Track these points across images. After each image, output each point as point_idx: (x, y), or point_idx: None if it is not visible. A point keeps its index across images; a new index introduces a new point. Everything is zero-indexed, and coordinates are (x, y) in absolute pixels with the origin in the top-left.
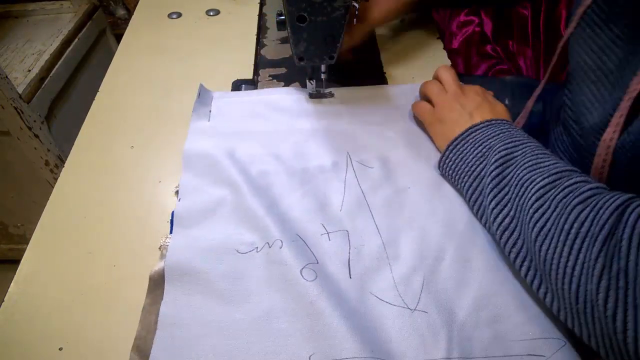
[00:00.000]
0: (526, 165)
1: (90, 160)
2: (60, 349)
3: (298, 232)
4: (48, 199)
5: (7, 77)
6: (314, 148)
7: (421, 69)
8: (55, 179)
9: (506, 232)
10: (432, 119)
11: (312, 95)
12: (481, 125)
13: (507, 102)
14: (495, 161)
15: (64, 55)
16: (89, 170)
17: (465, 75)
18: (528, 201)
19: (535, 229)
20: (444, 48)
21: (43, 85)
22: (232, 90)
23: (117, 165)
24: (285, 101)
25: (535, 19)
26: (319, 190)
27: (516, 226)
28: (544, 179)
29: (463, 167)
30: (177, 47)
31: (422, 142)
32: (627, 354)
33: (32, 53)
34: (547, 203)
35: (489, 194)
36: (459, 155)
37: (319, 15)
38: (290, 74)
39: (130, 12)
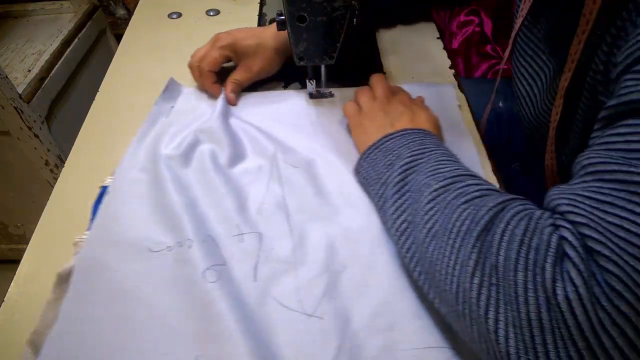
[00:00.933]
0: (426, 171)
1: (90, 160)
2: None
3: (211, 233)
4: (48, 199)
5: (7, 77)
6: (248, 148)
7: (421, 69)
8: (55, 179)
9: (402, 237)
10: (356, 123)
11: (312, 96)
12: (395, 135)
13: (500, 104)
14: (400, 167)
15: (64, 55)
16: (89, 170)
17: (464, 78)
18: (422, 204)
19: (424, 231)
20: (444, 48)
21: (43, 85)
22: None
23: (117, 165)
24: (260, 103)
25: None
26: (242, 190)
27: (411, 231)
28: (439, 182)
29: (372, 174)
30: (177, 47)
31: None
32: (500, 354)
33: (32, 53)
34: (438, 205)
35: (390, 199)
36: (371, 163)
37: (319, 15)
38: (290, 74)
39: (130, 12)
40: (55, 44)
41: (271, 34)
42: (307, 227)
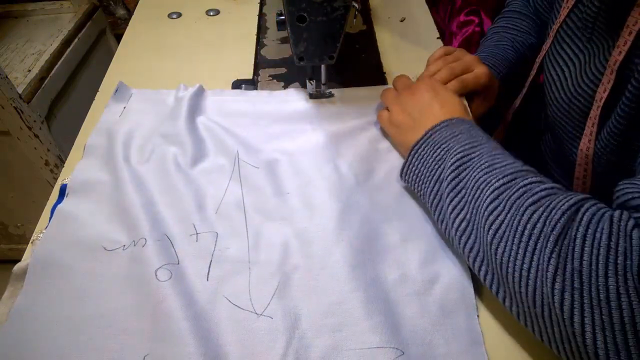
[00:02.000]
0: (482, 166)
1: None
2: None
3: (167, 231)
4: (48, 199)
5: (7, 77)
6: (209, 147)
7: (421, 69)
8: (55, 179)
9: (463, 237)
10: (390, 126)
11: (312, 96)
12: (439, 127)
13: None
14: (452, 164)
15: (64, 55)
16: None
17: None
18: (483, 203)
19: (491, 232)
20: None
21: (43, 85)
22: (232, 89)
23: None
24: (208, 101)
25: None
26: (201, 190)
27: (472, 229)
28: (498, 179)
29: (424, 171)
30: (177, 47)
31: (347, 143)
32: (587, 355)
33: (32, 53)
34: (502, 205)
35: (447, 197)
36: (420, 159)
37: (319, 15)
38: (290, 74)
39: (130, 12)
40: (55, 44)
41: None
42: (264, 228)
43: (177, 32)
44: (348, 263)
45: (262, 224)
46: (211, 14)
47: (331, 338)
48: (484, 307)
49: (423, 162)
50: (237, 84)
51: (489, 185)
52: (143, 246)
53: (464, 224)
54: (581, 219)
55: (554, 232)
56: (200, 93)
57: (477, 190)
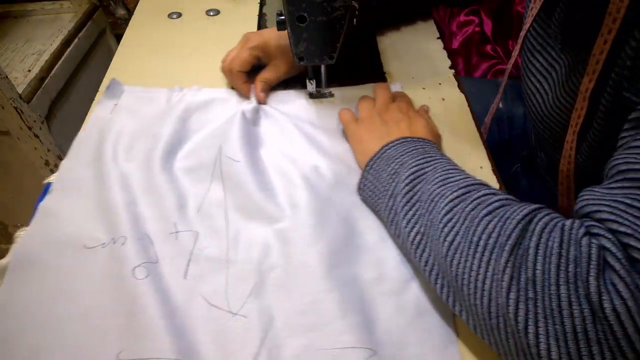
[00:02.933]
0: (436, 180)
1: None
2: None
3: (147, 230)
4: None
5: (7, 77)
6: (195, 145)
7: (421, 69)
8: None
9: (419, 250)
10: (352, 131)
11: (312, 95)
12: (395, 142)
13: (501, 105)
14: (407, 177)
15: (64, 55)
16: None
17: (464, 78)
18: (438, 215)
19: (446, 244)
20: (444, 48)
21: (43, 85)
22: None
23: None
24: (205, 102)
25: None
26: (183, 188)
27: (427, 242)
28: (453, 192)
29: (379, 186)
30: (177, 47)
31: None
32: None
33: (32, 53)
34: (457, 216)
35: (401, 211)
36: (375, 175)
37: (319, 15)
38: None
39: (130, 12)
40: (55, 44)
41: None
42: (244, 226)
43: (177, 32)
44: (325, 262)
45: (243, 222)
46: (211, 14)
47: (305, 338)
48: None
49: (377, 177)
50: None
51: (444, 197)
52: (123, 244)
53: (418, 237)
54: (534, 228)
55: (509, 242)
56: (195, 93)
57: (431, 203)
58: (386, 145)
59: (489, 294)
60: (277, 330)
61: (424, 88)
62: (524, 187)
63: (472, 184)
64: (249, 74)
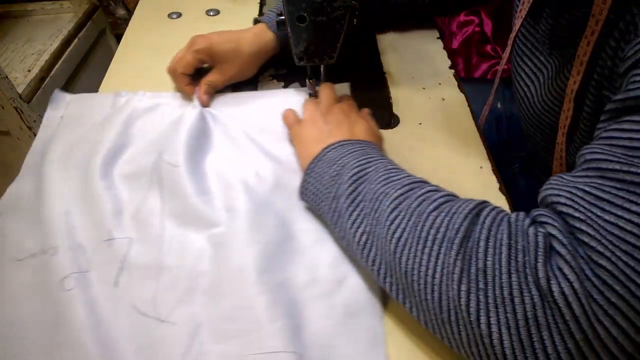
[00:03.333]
0: (379, 179)
1: None
2: None
3: (80, 238)
4: None
5: (7, 77)
6: (135, 151)
7: (421, 69)
8: None
9: (365, 250)
10: (295, 133)
11: (312, 95)
12: (335, 145)
13: (499, 105)
14: (349, 178)
15: (64, 55)
16: None
17: (464, 79)
18: (383, 214)
19: (394, 241)
20: (444, 48)
21: (43, 85)
22: (232, 90)
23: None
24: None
25: None
26: (121, 194)
27: (374, 241)
28: (396, 190)
29: (321, 189)
30: (177, 47)
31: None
32: (495, 356)
33: (32, 53)
34: (402, 213)
35: (346, 212)
36: (316, 177)
37: (319, 15)
38: (290, 74)
39: (130, 12)
40: (55, 44)
41: (249, 39)
42: (179, 232)
43: (177, 32)
44: (257, 267)
45: (179, 228)
46: (211, 14)
47: (231, 344)
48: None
49: (319, 180)
50: (237, 84)
51: (388, 196)
52: (53, 255)
53: (364, 237)
54: (483, 221)
55: (458, 235)
56: (140, 98)
57: (376, 202)
58: (326, 148)
59: (440, 287)
60: (203, 337)
61: (424, 88)
62: (522, 188)
63: (415, 182)
64: (196, 76)
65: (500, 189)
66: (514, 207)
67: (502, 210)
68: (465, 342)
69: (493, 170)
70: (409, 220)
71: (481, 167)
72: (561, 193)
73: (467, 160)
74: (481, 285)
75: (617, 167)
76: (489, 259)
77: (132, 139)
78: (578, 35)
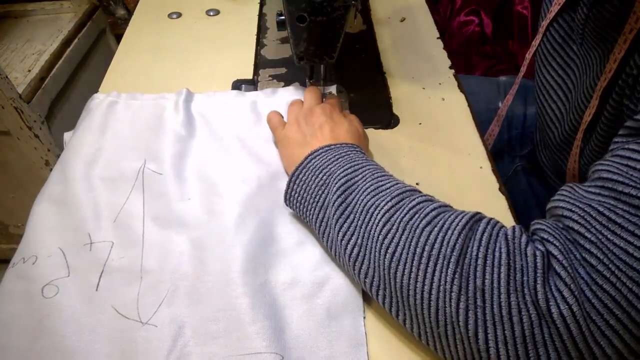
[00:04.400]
0: (368, 189)
1: None
2: None
3: (60, 243)
4: None
5: (7, 77)
6: (116, 155)
7: (421, 69)
8: None
9: (357, 263)
10: (279, 136)
11: None
12: (319, 152)
13: (500, 104)
14: (338, 189)
15: (64, 55)
16: None
17: (463, 76)
18: (375, 227)
19: (388, 256)
20: (444, 48)
21: (43, 85)
22: (231, 90)
23: None
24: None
25: (535, 19)
26: (101, 198)
27: (366, 254)
28: (387, 202)
29: (307, 197)
30: (177, 47)
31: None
32: None
33: (32, 53)
34: (394, 227)
35: (335, 224)
36: (302, 185)
37: (319, 15)
38: (290, 74)
39: (130, 12)
40: (55, 44)
41: None
42: (161, 235)
43: (177, 32)
44: (239, 268)
45: (160, 231)
46: (211, 14)
47: (213, 345)
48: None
49: (305, 188)
50: (237, 84)
51: (378, 208)
52: (33, 263)
53: (356, 250)
54: (480, 238)
55: (454, 254)
56: (115, 100)
57: (366, 215)
58: (310, 155)
59: (436, 303)
60: (186, 339)
61: (424, 88)
62: (524, 187)
63: (405, 192)
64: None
65: (500, 189)
66: (515, 205)
67: (497, 223)
68: (461, 355)
69: (493, 170)
70: (401, 235)
71: (481, 167)
72: (574, 209)
73: (467, 160)
74: (479, 303)
75: (633, 192)
76: (487, 277)
77: (111, 142)
78: (616, 31)
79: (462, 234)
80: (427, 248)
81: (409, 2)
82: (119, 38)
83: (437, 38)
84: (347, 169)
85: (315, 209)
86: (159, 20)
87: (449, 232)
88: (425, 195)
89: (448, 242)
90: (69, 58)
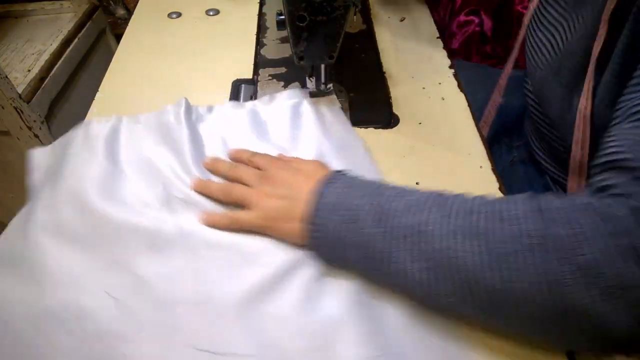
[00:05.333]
0: (401, 209)
1: None
2: None
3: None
4: None
5: (7, 77)
6: (133, 183)
7: (421, 69)
8: None
9: (432, 286)
10: (257, 222)
11: (312, 94)
12: (321, 203)
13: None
14: (372, 221)
15: (64, 55)
16: None
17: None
18: (442, 243)
19: (472, 267)
20: (444, 48)
21: (43, 85)
22: (231, 90)
23: None
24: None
25: None
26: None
27: (440, 274)
28: (431, 214)
29: (336, 241)
30: (177, 47)
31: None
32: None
33: (32, 53)
34: (460, 236)
35: (389, 256)
36: (327, 232)
37: (319, 15)
38: (290, 73)
39: (130, 12)
40: (55, 44)
41: None
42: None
43: (177, 32)
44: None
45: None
46: (211, 14)
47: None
48: None
49: (332, 233)
50: (237, 84)
51: (429, 224)
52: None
53: (425, 273)
54: (554, 218)
55: (545, 237)
56: (116, 124)
57: (421, 235)
58: (314, 225)
59: (549, 290)
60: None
61: (424, 88)
62: (521, 176)
63: (436, 197)
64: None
65: (500, 189)
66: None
67: (556, 198)
68: (582, 340)
69: (493, 170)
70: (472, 240)
71: (481, 167)
72: (635, 153)
73: (467, 160)
74: (593, 276)
75: None
76: (593, 253)
77: (122, 169)
78: None
79: (536, 217)
80: (509, 245)
81: (409, 2)
82: (119, 38)
83: (437, 38)
84: (362, 198)
85: (353, 249)
86: (159, 20)
87: (521, 220)
88: (462, 194)
89: (527, 231)
90: (69, 58)
